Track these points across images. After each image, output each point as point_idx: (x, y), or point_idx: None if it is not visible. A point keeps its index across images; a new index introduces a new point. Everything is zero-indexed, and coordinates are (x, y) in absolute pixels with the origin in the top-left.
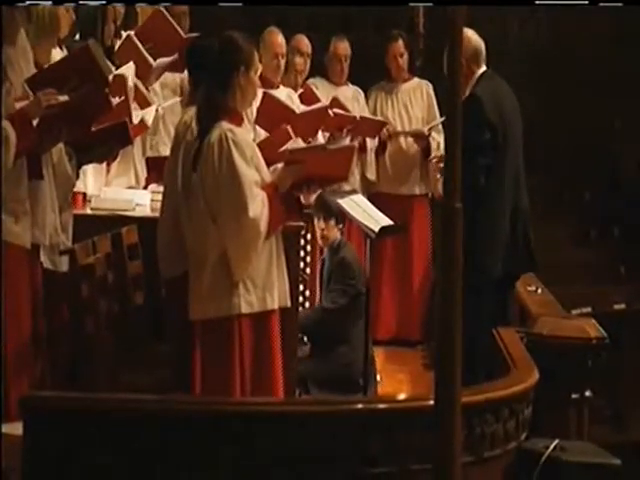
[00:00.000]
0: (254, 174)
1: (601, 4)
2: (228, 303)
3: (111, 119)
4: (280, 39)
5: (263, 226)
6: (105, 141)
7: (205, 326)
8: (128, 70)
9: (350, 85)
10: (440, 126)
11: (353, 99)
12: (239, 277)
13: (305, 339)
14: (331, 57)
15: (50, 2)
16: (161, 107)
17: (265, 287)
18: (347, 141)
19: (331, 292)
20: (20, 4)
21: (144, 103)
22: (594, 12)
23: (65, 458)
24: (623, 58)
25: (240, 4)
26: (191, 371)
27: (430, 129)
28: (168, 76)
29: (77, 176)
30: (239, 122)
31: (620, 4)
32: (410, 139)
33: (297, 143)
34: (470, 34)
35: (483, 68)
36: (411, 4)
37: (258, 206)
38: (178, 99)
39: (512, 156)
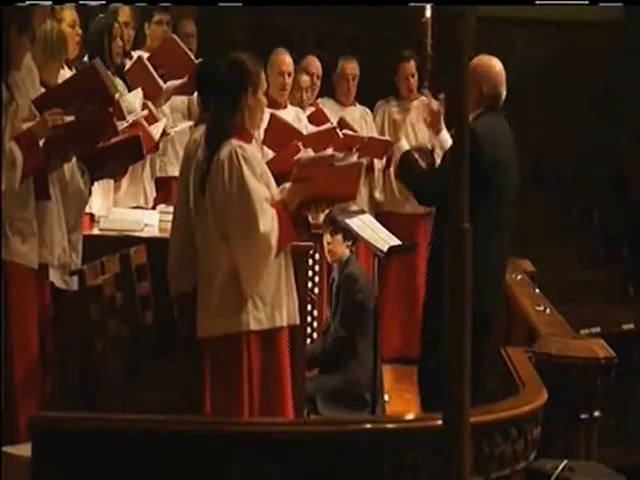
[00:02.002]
0: (264, 190)
1: (601, 4)
2: (237, 320)
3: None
4: (287, 58)
5: (273, 242)
6: (118, 156)
7: (213, 343)
8: (136, 96)
9: (358, 105)
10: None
11: (361, 119)
12: (249, 293)
13: None
14: (339, 77)
15: (50, 2)
16: (173, 130)
17: (274, 304)
18: (354, 158)
19: (341, 315)
20: (20, 4)
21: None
22: (600, 26)
23: (74, 479)
24: (630, 74)
25: (240, 4)
26: (200, 389)
27: (434, 145)
28: (177, 99)
29: (90, 192)
30: (249, 139)
31: (620, 4)
32: (415, 156)
33: (308, 154)
34: (501, 71)
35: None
36: (413, 4)
37: (268, 221)
38: (190, 123)
39: (507, 198)
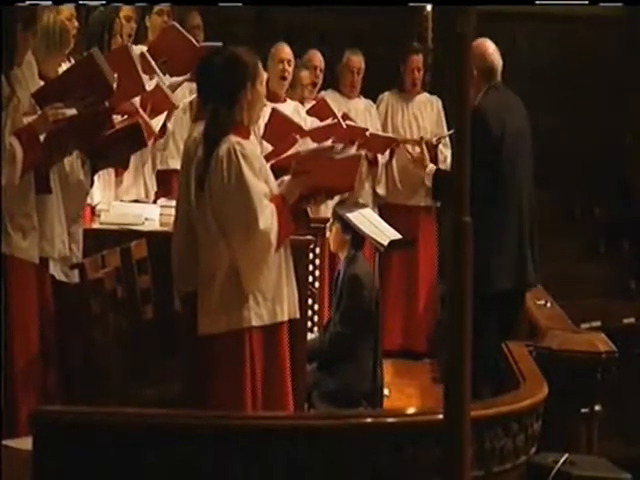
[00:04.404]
0: (263, 186)
1: (601, 4)
2: (238, 316)
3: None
4: (286, 48)
5: (273, 238)
6: (118, 144)
7: (215, 339)
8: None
9: (362, 98)
10: (448, 141)
11: (365, 111)
12: (250, 289)
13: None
14: (343, 68)
15: (50, 2)
16: (182, 102)
17: (275, 299)
18: (353, 150)
19: (343, 313)
20: (20, 4)
21: (165, 102)
22: (604, 25)
23: (74, 472)
24: (634, 71)
25: (240, 4)
26: (202, 385)
27: (438, 140)
28: (178, 95)
29: (92, 183)
30: (247, 135)
31: (620, 4)
32: (418, 150)
33: (306, 144)
34: (491, 49)
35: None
36: (413, 4)
37: (268, 218)
38: (192, 97)
39: (519, 170)
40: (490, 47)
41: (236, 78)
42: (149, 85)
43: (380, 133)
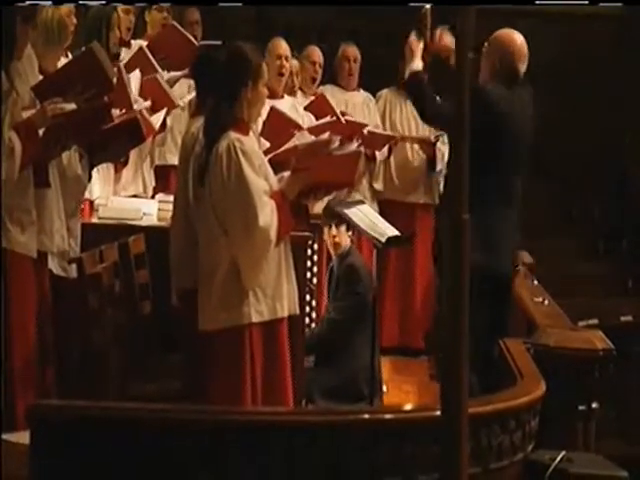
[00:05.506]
0: (263, 183)
1: (601, 4)
2: (238, 313)
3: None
4: (283, 43)
5: (273, 234)
6: (117, 138)
7: (215, 336)
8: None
9: (361, 91)
10: (446, 138)
11: (364, 105)
12: (250, 286)
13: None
14: (340, 60)
15: (50, 2)
16: (182, 101)
17: (275, 296)
18: (353, 146)
19: (338, 301)
20: (20, 4)
21: (165, 99)
22: (604, 25)
23: (72, 466)
24: (633, 71)
25: (240, 4)
26: (203, 381)
27: (437, 137)
28: (176, 90)
29: (89, 177)
30: (246, 131)
31: (620, 4)
32: (416, 147)
33: (304, 136)
34: (519, 41)
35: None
36: (414, 4)
37: (268, 215)
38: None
39: (517, 160)
40: (519, 39)
41: (238, 73)
42: (137, 105)
43: (378, 130)
